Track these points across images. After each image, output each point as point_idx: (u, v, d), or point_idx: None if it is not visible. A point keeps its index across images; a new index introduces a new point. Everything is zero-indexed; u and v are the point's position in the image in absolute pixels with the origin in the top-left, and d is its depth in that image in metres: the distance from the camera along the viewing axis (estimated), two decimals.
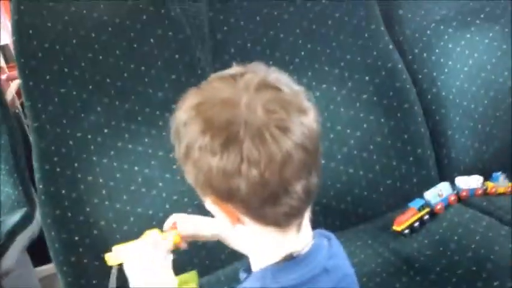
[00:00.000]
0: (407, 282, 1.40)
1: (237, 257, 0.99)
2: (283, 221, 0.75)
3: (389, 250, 1.51)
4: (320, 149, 0.76)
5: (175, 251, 1.00)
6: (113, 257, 1.00)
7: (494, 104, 1.82)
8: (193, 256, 1.47)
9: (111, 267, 1.02)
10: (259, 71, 0.76)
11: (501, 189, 1.71)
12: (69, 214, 1.49)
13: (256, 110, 0.71)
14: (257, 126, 0.70)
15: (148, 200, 1.52)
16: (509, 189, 1.71)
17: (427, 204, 1.62)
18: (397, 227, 1.56)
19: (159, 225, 1.04)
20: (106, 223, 1.50)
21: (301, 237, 0.80)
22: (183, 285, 1.00)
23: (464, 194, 1.69)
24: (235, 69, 0.78)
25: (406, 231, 1.56)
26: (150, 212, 1.51)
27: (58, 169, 1.50)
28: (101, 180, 1.52)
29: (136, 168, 1.54)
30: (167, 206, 1.51)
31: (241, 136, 0.69)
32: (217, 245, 1.06)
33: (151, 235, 1.00)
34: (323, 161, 0.78)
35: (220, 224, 0.81)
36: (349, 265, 0.87)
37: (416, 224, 1.57)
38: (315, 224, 0.84)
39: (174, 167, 1.49)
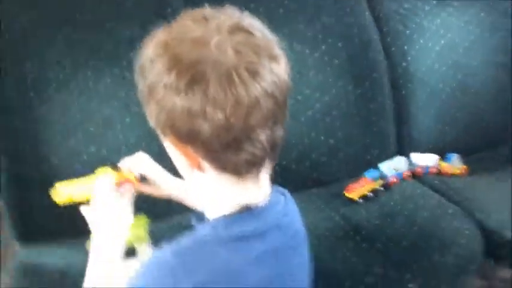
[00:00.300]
0: (354, 247, 1.42)
1: None
2: (243, 168, 0.74)
3: (340, 215, 1.53)
4: (287, 103, 0.74)
5: None
6: (60, 194, 0.99)
7: (462, 87, 1.83)
8: (143, 201, 1.45)
9: (58, 205, 1.01)
10: (232, 14, 0.74)
11: (456, 171, 1.74)
12: (20, 147, 1.44)
13: (227, 51, 0.68)
14: (226, 67, 0.67)
15: (104, 141, 1.48)
16: (463, 171, 1.75)
17: (382, 176, 1.64)
18: (348, 194, 1.58)
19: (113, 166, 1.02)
20: (58, 160, 1.46)
21: (260, 190, 0.79)
22: (132, 228, 0.98)
23: (419, 170, 1.72)
24: (208, 10, 0.75)
25: (360, 200, 1.58)
26: (104, 152, 1.47)
27: (12, 100, 1.44)
28: (56, 116, 1.47)
29: (95, 107, 1.49)
30: (123, 147, 1.48)
31: (207, 76, 0.67)
32: None
33: (105, 174, 0.97)
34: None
35: (179, 168, 0.79)
36: (301, 222, 0.87)
37: (370, 194, 1.59)
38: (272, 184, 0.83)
39: (137, 109, 1.45)
